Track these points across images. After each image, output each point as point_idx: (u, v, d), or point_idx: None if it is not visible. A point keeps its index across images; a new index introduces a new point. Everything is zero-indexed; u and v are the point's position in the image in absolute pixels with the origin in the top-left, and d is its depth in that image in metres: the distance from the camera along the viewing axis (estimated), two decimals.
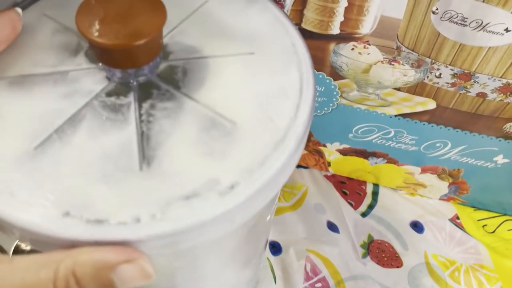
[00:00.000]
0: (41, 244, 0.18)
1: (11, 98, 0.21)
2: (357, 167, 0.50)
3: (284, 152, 0.20)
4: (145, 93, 0.22)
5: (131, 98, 0.22)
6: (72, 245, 0.18)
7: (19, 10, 0.23)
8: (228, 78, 0.23)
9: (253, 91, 0.22)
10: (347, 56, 0.39)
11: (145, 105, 0.21)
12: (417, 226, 0.50)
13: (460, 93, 0.39)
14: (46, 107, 0.21)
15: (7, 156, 0.20)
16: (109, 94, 0.22)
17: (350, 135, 0.47)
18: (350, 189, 0.52)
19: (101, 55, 0.21)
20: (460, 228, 0.50)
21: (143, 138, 0.20)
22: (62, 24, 0.24)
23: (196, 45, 0.24)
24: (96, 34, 0.19)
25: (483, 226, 0.50)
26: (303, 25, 0.38)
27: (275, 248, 0.47)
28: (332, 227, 0.49)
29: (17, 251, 0.39)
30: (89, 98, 0.21)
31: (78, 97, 0.21)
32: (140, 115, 0.21)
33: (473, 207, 0.51)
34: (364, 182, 0.52)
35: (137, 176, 0.19)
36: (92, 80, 0.22)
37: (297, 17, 0.38)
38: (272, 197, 0.21)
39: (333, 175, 0.53)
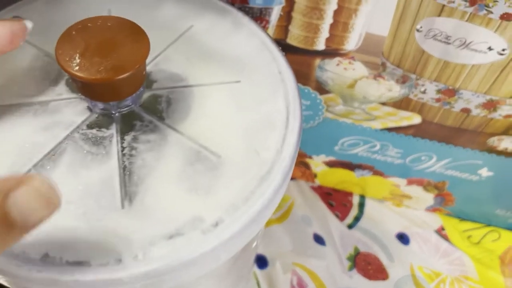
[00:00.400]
0: (21, 285, 0.18)
1: None
2: (343, 178, 0.50)
3: (269, 186, 0.20)
4: (127, 124, 0.21)
5: (113, 130, 0.21)
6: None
7: (28, 24, 0.21)
8: (213, 108, 0.22)
9: (239, 122, 0.22)
10: (332, 71, 0.39)
11: (128, 138, 0.21)
12: (403, 238, 0.50)
13: (445, 108, 0.39)
14: (25, 140, 0.21)
15: None
16: (90, 126, 0.21)
17: (336, 147, 0.46)
18: (336, 200, 0.52)
19: (82, 88, 0.20)
20: (445, 240, 0.50)
21: (125, 173, 0.20)
22: (43, 51, 0.24)
23: (181, 73, 0.23)
24: (77, 68, 0.19)
25: (468, 237, 0.50)
26: (288, 41, 0.38)
27: (261, 262, 0.47)
28: (318, 239, 0.49)
29: None
30: (70, 131, 0.21)
31: (59, 129, 0.21)
32: (123, 148, 0.21)
33: (458, 217, 0.52)
34: (351, 194, 0.52)
35: (119, 214, 0.19)
36: (73, 111, 0.22)
37: (282, 33, 0.37)
38: (259, 230, 0.21)
39: (320, 187, 0.52)
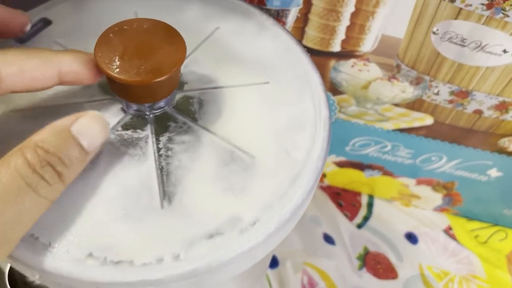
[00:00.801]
0: (65, 286, 0.18)
1: (23, 132, 0.21)
2: (352, 179, 0.51)
3: (302, 186, 0.20)
4: (162, 125, 0.22)
5: (148, 131, 0.21)
6: (97, 286, 0.18)
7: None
8: (244, 109, 0.23)
9: (269, 122, 0.22)
10: (347, 72, 0.39)
11: (163, 139, 0.21)
12: (411, 238, 0.50)
13: (457, 110, 0.40)
14: None
15: None
16: (125, 127, 0.21)
17: (347, 148, 0.47)
18: (345, 200, 0.52)
19: (119, 89, 0.20)
20: (453, 239, 0.50)
21: (163, 173, 0.20)
22: None
23: (211, 75, 0.24)
24: (117, 70, 0.19)
25: (475, 237, 0.51)
26: (304, 42, 0.38)
27: (272, 261, 0.47)
28: (328, 239, 0.49)
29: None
30: None
31: None
32: (159, 149, 0.21)
33: (466, 217, 0.52)
34: (359, 194, 0.53)
35: (159, 214, 0.19)
36: (108, 112, 0.22)
37: (298, 34, 0.38)
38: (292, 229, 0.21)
39: (329, 187, 0.53)
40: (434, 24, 0.34)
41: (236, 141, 0.22)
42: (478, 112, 0.39)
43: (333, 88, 0.41)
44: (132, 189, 0.20)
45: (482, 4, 0.31)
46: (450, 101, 0.39)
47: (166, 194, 0.20)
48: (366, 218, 0.52)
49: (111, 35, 0.20)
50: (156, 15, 0.22)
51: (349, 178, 0.51)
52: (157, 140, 0.21)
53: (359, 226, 0.51)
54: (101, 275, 0.18)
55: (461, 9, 0.32)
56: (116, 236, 0.18)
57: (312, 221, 0.51)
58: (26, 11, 0.26)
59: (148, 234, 0.19)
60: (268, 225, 0.19)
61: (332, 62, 0.39)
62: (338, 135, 0.45)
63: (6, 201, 0.16)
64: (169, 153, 0.21)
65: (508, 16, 0.31)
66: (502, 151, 0.42)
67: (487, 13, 0.31)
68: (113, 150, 0.21)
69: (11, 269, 0.39)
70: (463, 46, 0.34)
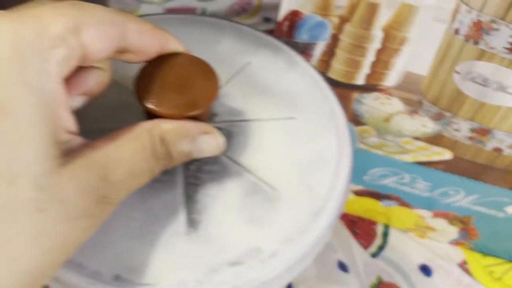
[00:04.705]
0: None
1: None
2: (369, 207, 0.51)
3: (323, 221, 0.21)
4: None
5: None
6: None
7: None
8: (270, 143, 0.24)
9: (294, 157, 0.23)
10: (369, 105, 0.40)
11: (192, 167, 0.22)
12: (425, 270, 0.50)
13: (477, 146, 0.40)
14: None
15: None
16: None
17: (366, 177, 0.47)
18: (361, 228, 0.53)
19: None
20: (468, 274, 0.50)
21: (190, 201, 0.21)
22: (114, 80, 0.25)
23: (240, 108, 0.25)
24: (155, 102, 0.20)
25: (490, 272, 0.51)
26: (329, 74, 0.39)
27: (286, 286, 0.48)
28: (342, 266, 0.50)
29: None
30: None
31: None
32: (187, 177, 0.22)
33: (481, 252, 0.52)
34: (375, 222, 0.53)
35: (184, 240, 0.20)
36: None
37: (323, 67, 0.39)
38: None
39: (345, 214, 0.53)
40: (457, 64, 0.34)
41: (261, 173, 0.23)
42: (498, 150, 0.40)
43: (355, 119, 0.42)
44: (160, 215, 0.21)
45: (505, 48, 0.32)
46: (470, 138, 0.40)
47: (192, 221, 0.21)
48: (381, 248, 0.52)
49: (151, 67, 0.21)
50: (191, 47, 0.23)
51: (365, 207, 0.52)
52: (187, 169, 0.22)
53: (374, 255, 0.51)
54: None
55: (484, 51, 0.33)
56: (142, 259, 0.19)
57: (327, 248, 0.51)
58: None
59: (172, 258, 0.20)
60: (287, 258, 0.20)
61: (356, 94, 0.40)
62: (358, 164, 0.46)
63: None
64: (197, 181, 0.22)
65: None
66: None
67: (509, 56, 0.32)
68: None
69: None
70: (485, 86, 0.35)
